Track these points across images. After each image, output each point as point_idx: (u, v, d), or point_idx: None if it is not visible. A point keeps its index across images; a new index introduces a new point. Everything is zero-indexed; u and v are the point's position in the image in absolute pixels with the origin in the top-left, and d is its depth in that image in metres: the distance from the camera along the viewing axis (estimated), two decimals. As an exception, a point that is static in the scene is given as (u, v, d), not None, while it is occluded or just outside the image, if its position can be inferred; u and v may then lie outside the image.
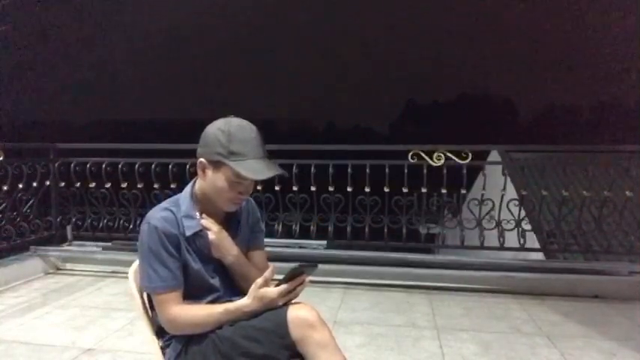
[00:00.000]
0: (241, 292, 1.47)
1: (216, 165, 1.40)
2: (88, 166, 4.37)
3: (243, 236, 1.57)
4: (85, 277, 4.08)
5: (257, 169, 1.38)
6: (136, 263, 1.52)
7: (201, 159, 1.43)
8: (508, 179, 4.04)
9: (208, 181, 1.44)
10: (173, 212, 1.45)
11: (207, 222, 1.48)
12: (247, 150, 1.38)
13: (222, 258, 1.50)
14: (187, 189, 1.52)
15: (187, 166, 3.99)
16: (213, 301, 1.48)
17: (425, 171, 3.96)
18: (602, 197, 3.85)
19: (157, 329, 1.51)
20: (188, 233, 1.44)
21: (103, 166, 4.34)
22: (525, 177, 4.65)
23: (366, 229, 4.10)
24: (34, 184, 4.31)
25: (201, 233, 1.47)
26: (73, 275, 4.14)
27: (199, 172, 1.45)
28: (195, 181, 1.51)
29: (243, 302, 1.39)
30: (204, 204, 1.49)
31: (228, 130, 1.39)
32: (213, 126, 1.42)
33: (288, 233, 4.23)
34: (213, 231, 1.47)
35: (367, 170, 4.00)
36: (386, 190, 4.06)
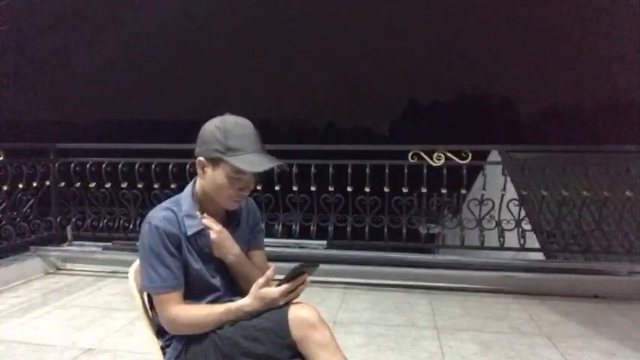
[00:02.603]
0: (242, 292, 1.47)
1: (215, 162, 1.40)
2: (88, 166, 4.37)
3: (243, 236, 1.57)
4: (85, 277, 4.07)
5: (255, 162, 1.38)
6: (136, 263, 1.52)
7: (200, 157, 1.43)
8: (508, 179, 4.05)
9: (208, 179, 1.44)
10: (174, 212, 1.45)
11: (208, 221, 1.48)
12: (245, 145, 1.38)
13: (223, 257, 1.50)
14: (188, 188, 1.52)
15: (187, 166, 3.99)
16: (213, 301, 1.48)
17: (425, 171, 3.96)
18: (602, 197, 3.85)
19: (158, 329, 1.51)
20: (189, 233, 1.44)
21: (103, 166, 4.34)
22: (525, 177, 4.65)
23: (366, 229, 4.10)
24: (34, 184, 4.31)
25: (202, 232, 1.47)
26: (73, 275, 4.14)
27: (199, 170, 1.45)
28: (195, 181, 1.52)
29: (245, 302, 1.39)
30: (205, 203, 1.49)
31: (225, 126, 1.40)
32: (209, 124, 1.43)
33: (288, 233, 4.23)
34: (215, 230, 1.47)
35: (367, 170, 4.01)
36: (386, 190, 4.06)
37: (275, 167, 1.41)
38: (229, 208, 1.50)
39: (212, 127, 1.41)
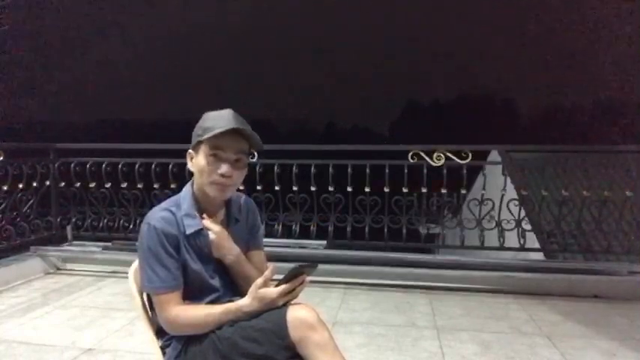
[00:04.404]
0: (241, 292, 1.47)
1: (197, 148, 1.46)
2: (88, 166, 4.38)
3: (242, 236, 1.58)
4: (85, 277, 4.07)
5: (221, 128, 1.39)
6: (136, 263, 1.52)
7: (189, 150, 1.49)
8: (508, 179, 4.04)
9: (195, 167, 1.48)
10: (173, 212, 1.46)
11: (208, 222, 1.48)
12: (219, 123, 1.41)
13: (222, 258, 1.50)
14: (187, 188, 1.52)
15: (187, 166, 3.98)
16: (212, 302, 1.48)
17: (425, 171, 3.96)
18: (602, 197, 3.85)
19: (157, 329, 1.51)
20: (189, 232, 1.44)
21: (103, 166, 4.34)
22: (525, 177, 4.66)
23: (366, 229, 4.11)
24: (34, 184, 4.31)
25: (202, 232, 1.47)
26: (73, 275, 4.14)
27: (189, 163, 1.50)
28: (193, 181, 1.52)
29: (244, 302, 1.39)
30: (204, 202, 1.50)
31: (205, 115, 1.48)
32: None
33: (288, 233, 4.23)
34: (214, 231, 1.47)
35: (367, 170, 4.01)
36: (386, 190, 4.06)
37: (238, 127, 1.40)
38: (215, 196, 1.47)
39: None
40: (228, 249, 1.50)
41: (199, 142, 1.44)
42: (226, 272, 1.52)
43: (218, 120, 1.42)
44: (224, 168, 1.43)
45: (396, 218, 4.11)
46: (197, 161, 1.45)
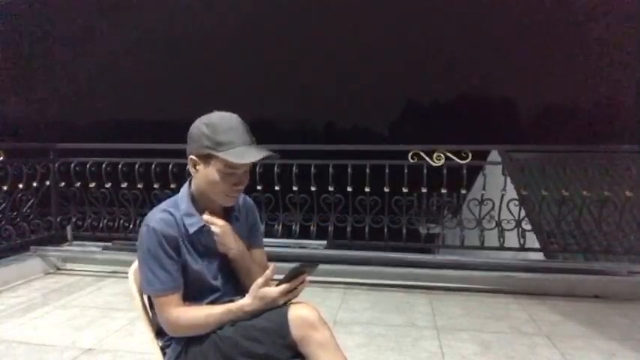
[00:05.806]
0: (242, 290, 1.47)
1: (206, 158, 1.41)
2: (88, 166, 4.37)
3: (243, 235, 1.57)
4: (85, 277, 4.07)
5: (246, 154, 1.38)
6: (136, 263, 1.52)
7: (191, 156, 1.44)
8: (508, 179, 4.05)
9: (201, 176, 1.44)
10: (172, 213, 1.45)
11: (209, 217, 1.48)
12: (234, 138, 1.39)
13: (226, 251, 1.49)
14: (184, 189, 1.51)
15: (187, 166, 3.98)
16: (213, 302, 1.48)
17: (425, 171, 3.96)
18: (602, 197, 3.85)
19: (157, 329, 1.51)
20: (191, 231, 1.44)
21: (103, 166, 4.34)
22: (525, 177, 4.66)
23: (366, 229, 4.11)
24: (34, 184, 4.31)
25: (204, 229, 1.46)
26: (73, 275, 4.14)
27: (191, 169, 1.46)
28: (190, 181, 1.52)
29: (245, 301, 1.39)
30: (203, 202, 1.49)
31: (211, 122, 1.41)
32: (196, 122, 1.44)
33: (288, 233, 4.23)
34: (218, 225, 1.47)
35: (367, 170, 4.01)
36: (386, 190, 4.06)
37: (264, 157, 1.40)
38: (224, 204, 1.49)
39: (199, 124, 1.42)
40: (233, 242, 1.49)
41: (210, 155, 1.39)
42: (228, 271, 1.52)
43: (231, 134, 1.38)
44: (239, 181, 1.43)
45: (396, 218, 4.11)
46: (206, 172, 1.42)
